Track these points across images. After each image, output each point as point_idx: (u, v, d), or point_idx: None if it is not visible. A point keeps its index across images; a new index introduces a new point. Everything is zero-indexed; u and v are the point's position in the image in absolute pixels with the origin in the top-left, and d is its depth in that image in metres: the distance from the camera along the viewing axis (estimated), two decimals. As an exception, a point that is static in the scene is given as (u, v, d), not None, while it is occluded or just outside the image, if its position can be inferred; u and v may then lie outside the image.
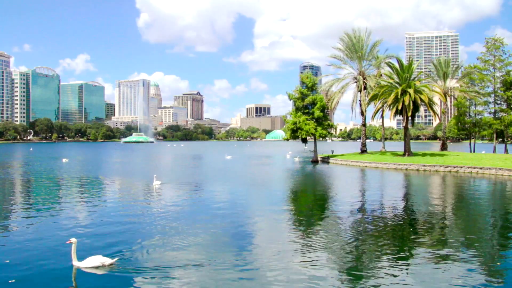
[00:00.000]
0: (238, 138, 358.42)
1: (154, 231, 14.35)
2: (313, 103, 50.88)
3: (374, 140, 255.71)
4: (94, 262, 10.32)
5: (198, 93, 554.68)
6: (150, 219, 16.48)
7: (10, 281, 9.36)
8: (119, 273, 10.00)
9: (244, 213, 18.27)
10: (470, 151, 61.74)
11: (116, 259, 10.68)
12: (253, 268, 10.38)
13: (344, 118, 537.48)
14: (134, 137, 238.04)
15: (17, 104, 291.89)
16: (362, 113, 54.34)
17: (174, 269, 10.30)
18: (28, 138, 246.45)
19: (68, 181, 31.95)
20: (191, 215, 17.41)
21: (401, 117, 49.14)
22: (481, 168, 36.01)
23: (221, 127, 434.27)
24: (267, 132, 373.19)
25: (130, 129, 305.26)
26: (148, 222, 15.97)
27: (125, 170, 44.83)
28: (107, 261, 10.42)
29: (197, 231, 14.19)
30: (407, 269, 10.31)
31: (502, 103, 56.53)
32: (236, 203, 20.94)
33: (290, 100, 53.24)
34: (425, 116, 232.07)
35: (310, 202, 22.54)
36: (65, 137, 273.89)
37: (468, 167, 36.98)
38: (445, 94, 58.49)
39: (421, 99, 46.25)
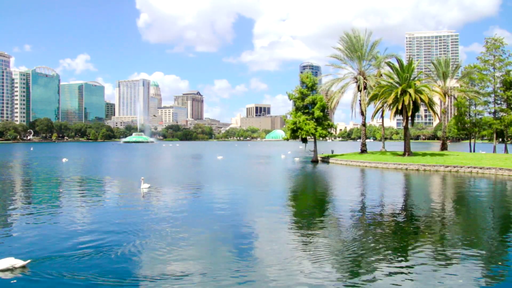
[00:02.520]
0: (238, 138, 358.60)
1: (123, 238, 13.02)
2: (313, 103, 50.84)
3: (374, 140, 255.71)
4: (4, 265, 9.79)
5: (198, 93, 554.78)
6: (124, 226, 14.84)
7: None
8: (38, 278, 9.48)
9: (240, 216, 17.94)
10: (470, 151, 61.73)
11: (29, 261, 10.10)
12: (252, 279, 9.89)
13: (344, 118, 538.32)
14: (134, 137, 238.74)
15: (17, 104, 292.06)
16: (362, 113, 54.32)
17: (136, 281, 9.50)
18: (28, 138, 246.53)
19: (53, 183, 31.16)
20: (176, 221, 15.65)
21: (401, 117, 49.13)
22: (481, 168, 36.00)
23: (221, 127, 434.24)
24: (267, 132, 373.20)
25: (130, 129, 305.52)
26: (121, 228, 14.40)
27: (117, 171, 43.66)
28: (19, 263, 9.88)
29: (178, 238, 13.08)
30: (407, 269, 10.30)
31: (502, 103, 56.54)
32: (232, 207, 19.99)
33: (290, 100, 53.20)
34: (425, 116, 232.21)
35: (310, 203, 22.47)
36: (65, 137, 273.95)
37: (468, 167, 36.98)
38: (445, 94, 58.50)
39: (421, 99, 46.25)
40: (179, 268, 10.34)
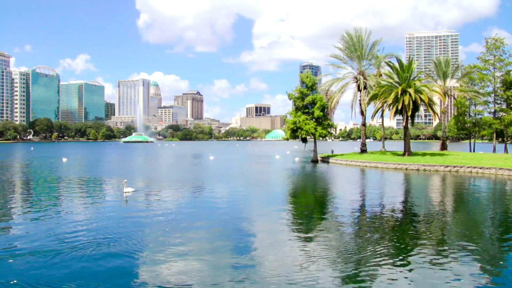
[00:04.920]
0: (238, 138, 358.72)
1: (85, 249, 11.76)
2: (313, 103, 50.76)
3: (374, 139, 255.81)
4: None
5: (198, 93, 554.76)
6: (96, 230, 14.06)
7: None
8: None
9: (238, 217, 17.77)
10: (470, 151, 61.69)
11: None
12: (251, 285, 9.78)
13: (344, 118, 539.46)
14: (133, 136, 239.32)
15: (17, 104, 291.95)
16: (362, 113, 54.28)
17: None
18: (28, 137, 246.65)
19: (43, 183, 30.21)
20: (160, 225, 14.89)
21: (401, 117, 49.10)
22: (481, 168, 35.97)
23: (221, 127, 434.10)
24: (267, 131, 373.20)
25: (130, 128, 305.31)
26: (90, 233, 13.63)
27: (110, 171, 41.71)
28: None
29: (156, 247, 12.19)
30: (407, 270, 10.26)
31: (502, 102, 56.53)
32: (231, 207, 19.75)
33: (290, 99, 53.09)
34: (425, 116, 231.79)
35: (310, 203, 22.41)
36: (65, 137, 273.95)
37: (468, 167, 36.94)
38: (445, 94, 58.48)
39: (421, 99, 46.22)
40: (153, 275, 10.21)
